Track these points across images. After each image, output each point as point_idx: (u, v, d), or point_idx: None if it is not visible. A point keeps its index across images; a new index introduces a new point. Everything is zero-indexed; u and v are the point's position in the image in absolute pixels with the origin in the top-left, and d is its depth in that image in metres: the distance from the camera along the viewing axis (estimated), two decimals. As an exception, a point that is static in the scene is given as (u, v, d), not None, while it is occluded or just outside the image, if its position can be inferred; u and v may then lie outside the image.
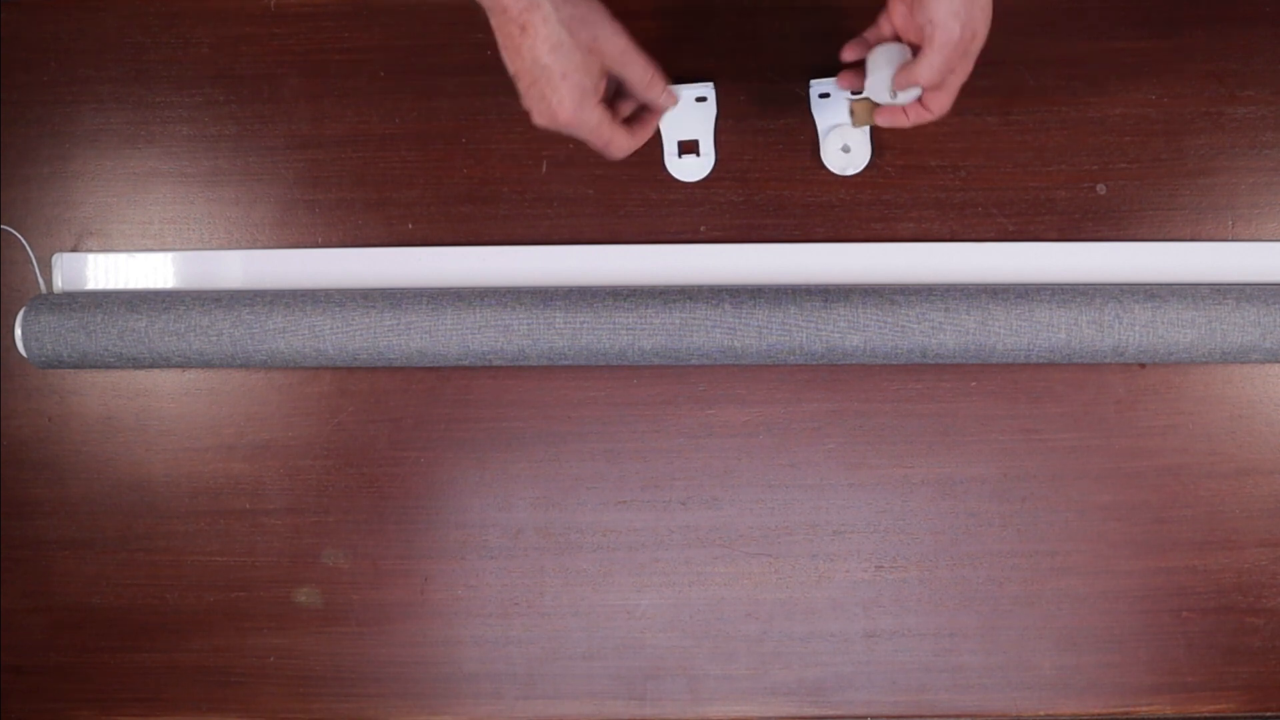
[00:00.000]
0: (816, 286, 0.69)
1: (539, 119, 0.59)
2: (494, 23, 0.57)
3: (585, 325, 0.67)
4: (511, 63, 0.58)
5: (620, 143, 0.61)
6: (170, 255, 0.73)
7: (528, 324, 0.67)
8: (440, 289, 0.70)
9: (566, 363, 0.69)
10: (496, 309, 0.68)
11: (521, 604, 0.72)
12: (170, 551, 0.73)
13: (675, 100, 0.62)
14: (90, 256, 0.73)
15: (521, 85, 0.58)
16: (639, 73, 0.60)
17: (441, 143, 0.73)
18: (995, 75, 0.71)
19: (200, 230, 0.74)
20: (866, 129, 0.71)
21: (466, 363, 0.69)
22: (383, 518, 0.72)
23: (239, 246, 0.74)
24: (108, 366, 0.71)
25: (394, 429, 0.73)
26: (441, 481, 0.72)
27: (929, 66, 0.59)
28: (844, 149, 0.71)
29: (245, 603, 0.72)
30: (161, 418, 0.73)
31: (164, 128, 0.74)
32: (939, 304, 0.67)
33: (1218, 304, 0.67)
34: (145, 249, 0.74)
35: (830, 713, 0.71)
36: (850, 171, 0.71)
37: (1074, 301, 0.67)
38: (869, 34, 0.64)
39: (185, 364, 0.70)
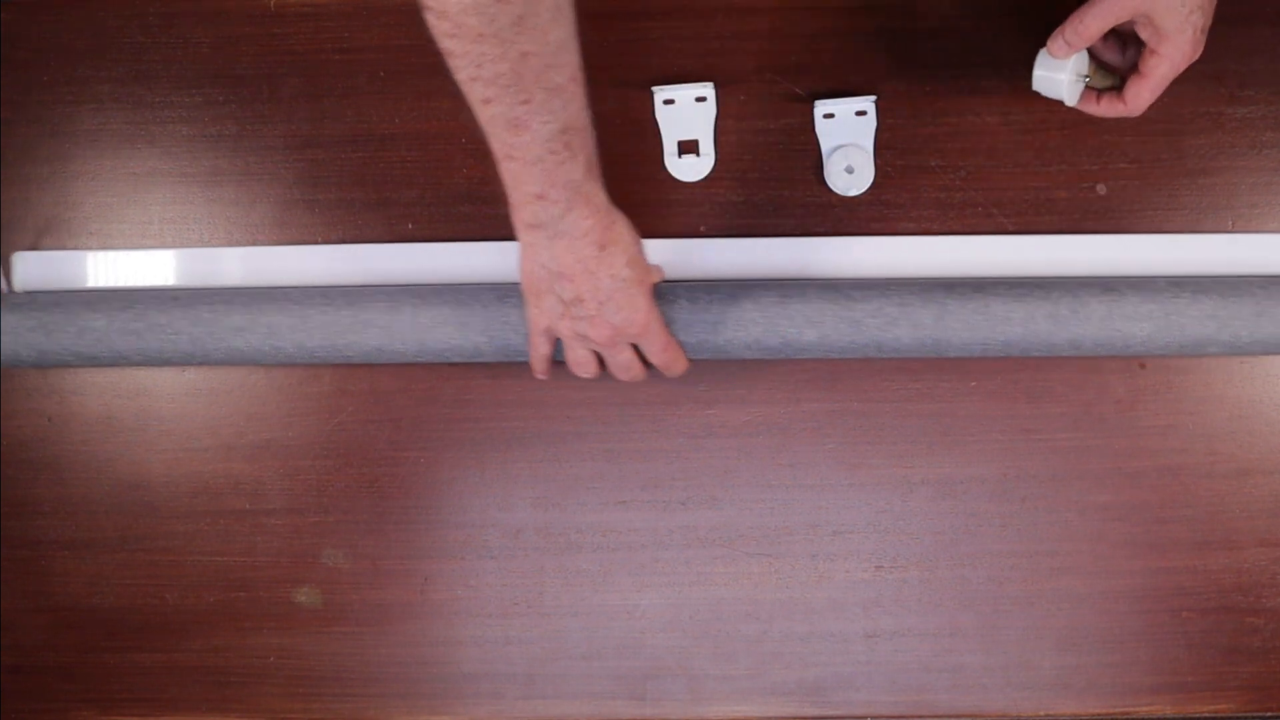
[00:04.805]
0: (773, 281, 0.69)
1: (600, 335, 0.60)
2: (560, 248, 0.57)
3: None
4: (577, 287, 0.58)
5: (678, 346, 0.65)
6: (138, 254, 0.73)
7: (483, 320, 0.67)
8: (399, 286, 0.70)
9: (523, 359, 0.68)
10: (453, 306, 0.67)
11: (521, 604, 0.72)
12: (170, 551, 0.73)
13: (664, 274, 0.65)
14: (50, 254, 0.73)
15: (588, 307, 0.59)
16: (657, 273, 0.63)
17: (441, 143, 0.73)
18: (995, 75, 0.71)
19: (200, 230, 0.74)
20: (871, 152, 0.71)
21: (424, 360, 0.69)
22: (383, 518, 0.72)
23: (239, 246, 0.74)
24: (66, 365, 0.70)
25: (394, 429, 0.73)
26: (441, 481, 0.72)
27: (1153, 88, 0.59)
28: (848, 169, 0.70)
29: (245, 603, 0.72)
30: (161, 418, 0.73)
31: (164, 128, 0.74)
32: (894, 299, 0.66)
33: (1174, 297, 0.66)
34: (146, 248, 0.74)
35: (830, 713, 0.71)
36: (854, 192, 0.71)
37: (1030, 295, 0.66)
38: (1070, 34, 0.59)
39: (145, 363, 0.70)
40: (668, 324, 0.65)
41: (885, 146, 0.72)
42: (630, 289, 0.59)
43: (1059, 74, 0.63)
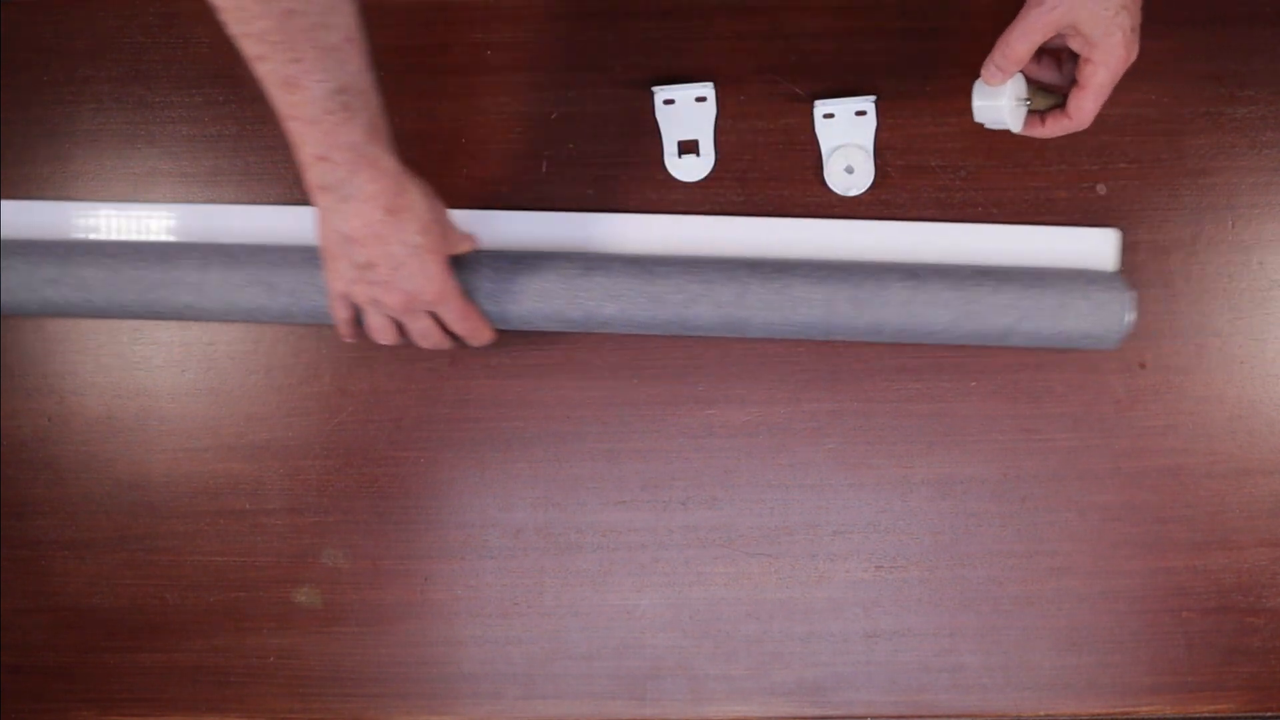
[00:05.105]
0: (579, 255, 0.68)
1: (394, 301, 0.60)
2: (349, 211, 0.57)
3: None
4: (368, 252, 0.58)
5: (479, 315, 0.65)
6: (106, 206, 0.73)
7: (291, 283, 0.67)
8: (213, 245, 0.70)
9: (324, 323, 0.68)
10: (262, 267, 0.67)
11: (521, 604, 0.72)
12: (170, 551, 0.73)
13: (476, 244, 0.65)
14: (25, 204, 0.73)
15: (380, 273, 0.59)
16: (460, 241, 0.63)
17: (441, 143, 0.73)
18: (995, 75, 0.71)
19: (200, 230, 0.74)
20: (871, 152, 0.71)
21: (234, 319, 0.69)
22: (383, 518, 0.72)
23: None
24: None
25: (394, 429, 0.73)
26: (441, 481, 0.72)
27: (1095, 97, 0.58)
28: (848, 169, 0.70)
29: (245, 603, 0.72)
30: (161, 418, 0.73)
31: (164, 128, 0.74)
32: (697, 276, 0.66)
33: (977, 285, 0.66)
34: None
35: (830, 713, 0.71)
36: (854, 192, 0.71)
37: (832, 278, 0.66)
38: (999, 59, 0.58)
39: None
40: (469, 293, 0.64)
41: (885, 146, 0.72)
42: (423, 256, 0.59)
43: (997, 100, 0.61)
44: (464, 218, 0.71)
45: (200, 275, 0.67)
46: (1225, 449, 0.71)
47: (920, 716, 0.70)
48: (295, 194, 0.73)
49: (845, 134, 0.71)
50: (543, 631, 0.71)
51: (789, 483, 0.72)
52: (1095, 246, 0.70)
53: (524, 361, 0.72)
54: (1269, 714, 0.70)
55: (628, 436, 0.72)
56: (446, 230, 0.61)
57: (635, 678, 0.71)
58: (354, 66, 0.54)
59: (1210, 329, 0.71)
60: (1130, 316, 0.66)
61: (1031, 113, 0.63)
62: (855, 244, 0.71)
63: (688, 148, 0.72)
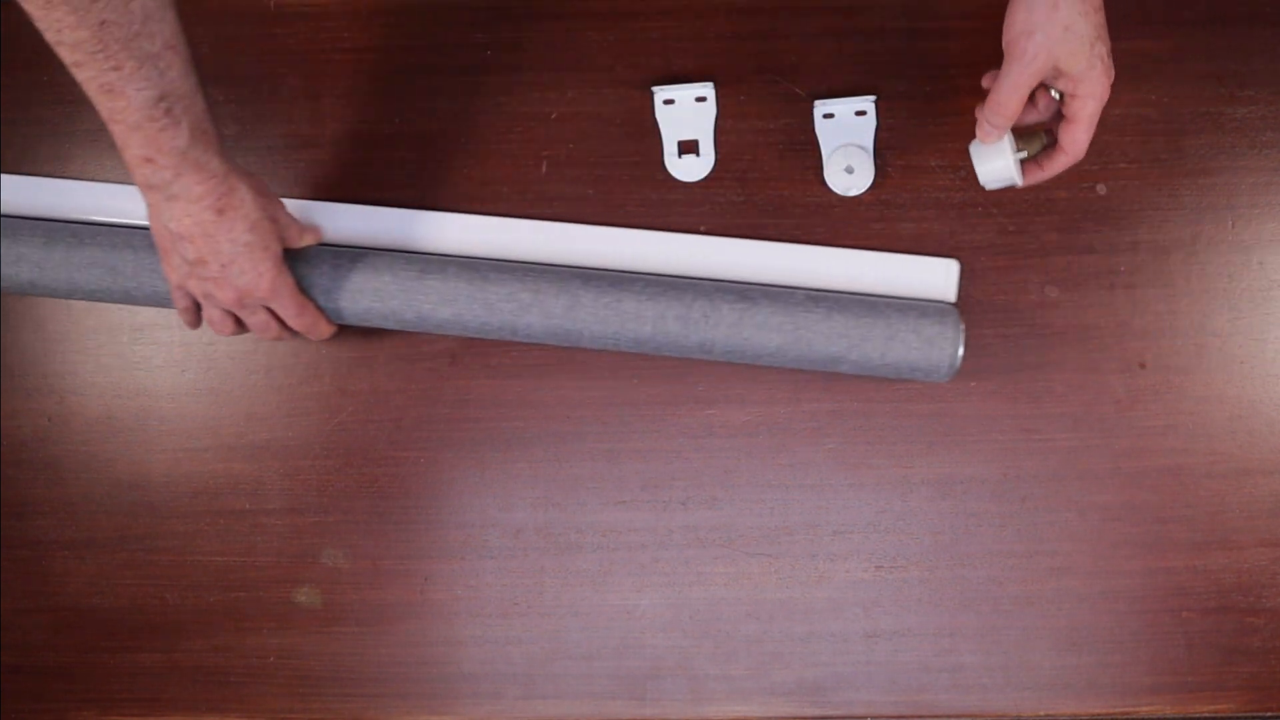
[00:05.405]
0: (419, 256, 0.68)
1: (227, 297, 0.61)
2: (177, 211, 0.58)
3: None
4: (198, 249, 0.59)
5: (314, 310, 0.65)
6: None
7: (134, 267, 0.67)
8: (62, 223, 0.69)
9: (167, 307, 0.68)
10: (106, 249, 0.67)
11: (521, 604, 0.72)
12: (170, 551, 0.73)
13: (319, 237, 0.66)
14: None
15: (211, 269, 0.60)
16: (303, 235, 0.64)
17: (441, 143, 0.73)
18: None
19: (200, 230, 0.74)
20: (871, 152, 0.71)
21: (78, 298, 0.69)
22: (383, 518, 0.72)
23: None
24: None
25: (394, 429, 0.73)
26: (441, 481, 0.72)
27: (1088, 128, 0.58)
28: (848, 170, 0.70)
29: (245, 603, 0.72)
30: (161, 418, 0.73)
31: (164, 128, 0.74)
32: (530, 285, 0.66)
33: (808, 311, 0.65)
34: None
35: (830, 713, 0.71)
36: (854, 192, 0.71)
37: (664, 295, 0.66)
38: (993, 116, 0.59)
39: None
40: (306, 288, 0.65)
41: (885, 146, 0.72)
42: (254, 254, 0.60)
43: (1004, 159, 0.61)
44: (302, 208, 0.72)
45: (43, 253, 0.67)
46: (1225, 449, 0.71)
47: (920, 716, 0.70)
48: (294, 194, 0.73)
49: (845, 134, 0.71)
50: (543, 631, 0.71)
51: (789, 483, 0.72)
52: (937, 277, 0.70)
53: (524, 361, 0.72)
54: (1269, 714, 0.70)
55: (628, 436, 0.72)
56: (282, 226, 0.62)
57: (635, 678, 0.71)
58: (175, 73, 0.54)
59: (1210, 329, 0.71)
60: (961, 351, 0.65)
61: (1026, 160, 0.63)
62: (688, 259, 0.71)
63: (688, 148, 0.72)
